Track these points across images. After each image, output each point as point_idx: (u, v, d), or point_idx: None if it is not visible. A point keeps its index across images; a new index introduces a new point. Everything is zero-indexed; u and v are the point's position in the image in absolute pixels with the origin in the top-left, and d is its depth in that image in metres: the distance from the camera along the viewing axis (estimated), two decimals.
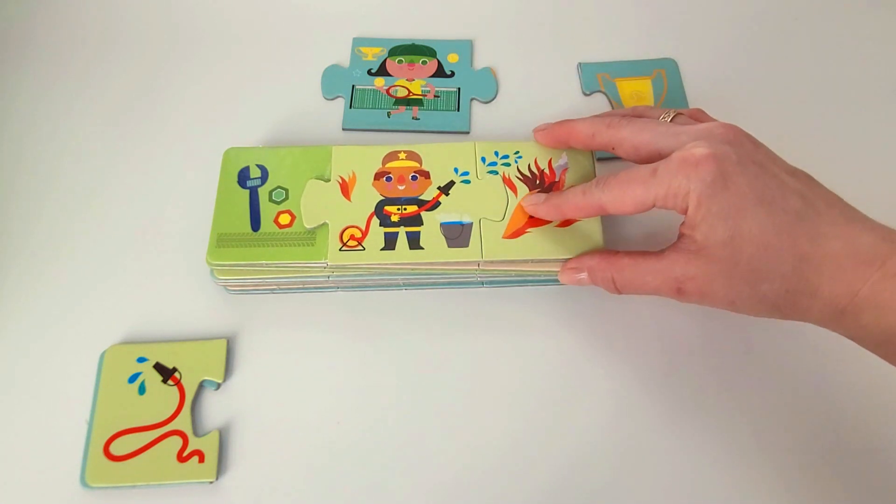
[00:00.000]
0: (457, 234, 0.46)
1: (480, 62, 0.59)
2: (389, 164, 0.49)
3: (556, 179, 0.48)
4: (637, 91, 0.57)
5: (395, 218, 0.46)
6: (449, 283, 0.50)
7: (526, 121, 0.56)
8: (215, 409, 0.46)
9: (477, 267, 0.46)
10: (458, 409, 0.46)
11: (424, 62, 0.59)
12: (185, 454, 0.43)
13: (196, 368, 0.46)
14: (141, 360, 0.46)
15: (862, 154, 0.55)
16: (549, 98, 0.58)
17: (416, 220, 0.46)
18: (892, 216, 0.52)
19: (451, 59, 0.59)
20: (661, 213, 0.41)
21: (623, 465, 0.45)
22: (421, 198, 0.47)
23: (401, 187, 0.48)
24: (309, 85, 0.58)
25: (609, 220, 0.51)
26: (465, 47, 0.60)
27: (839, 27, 0.61)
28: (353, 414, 0.46)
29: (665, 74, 0.58)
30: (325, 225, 0.46)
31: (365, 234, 0.46)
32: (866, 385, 0.46)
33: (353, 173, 0.48)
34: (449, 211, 0.47)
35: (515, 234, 0.46)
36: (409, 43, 0.60)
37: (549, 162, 0.48)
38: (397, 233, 0.46)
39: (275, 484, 0.44)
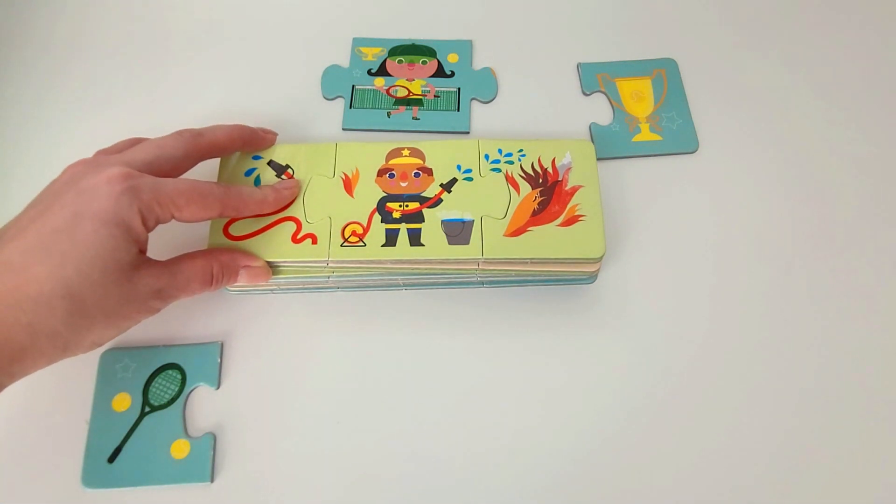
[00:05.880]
0: (458, 232, 0.46)
1: (480, 62, 0.59)
2: (392, 161, 0.48)
3: (560, 179, 0.48)
4: (637, 91, 0.57)
5: (396, 214, 0.46)
6: (449, 284, 0.49)
7: (526, 121, 0.56)
8: (213, 409, 0.46)
9: (477, 267, 0.46)
10: (458, 409, 0.46)
11: (424, 62, 0.59)
12: (298, 236, 0.46)
13: (308, 165, 0.49)
14: (256, 157, 0.50)
15: (861, 153, 0.55)
16: (549, 98, 0.58)
17: (417, 217, 0.46)
18: (891, 214, 0.53)
19: (451, 59, 0.59)
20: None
21: (624, 464, 0.45)
22: (423, 195, 0.47)
23: (403, 184, 0.47)
24: (309, 85, 0.58)
25: (611, 219, 0.51)
26: (465, 47, 0.60)
27: (839, 27, 0.61)
28: (352, 414, 0.46)
29: (665, 74, 0.58)
30: (327, 220, 0.46)
31: (366, 230, 0.46)
32: None
33: (357, 169, 0.48)
34: (451, 208, 0.46)
35: (517, 232, 0.46)
36: (409, 43, 0.60)
37: (553, 161, 0.48)
38: (398, 229, 0.46)
39: (273, 484, 0.44)
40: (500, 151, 0.49)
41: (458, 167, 0.48)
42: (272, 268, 0.46)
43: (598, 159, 0.50)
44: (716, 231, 0.52)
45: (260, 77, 0.59)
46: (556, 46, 0.60)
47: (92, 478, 0.43)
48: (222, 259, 0.44)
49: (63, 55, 0.60)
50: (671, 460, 0.45)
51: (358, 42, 0.60)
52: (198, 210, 0.42)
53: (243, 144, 0.49)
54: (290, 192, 0.47)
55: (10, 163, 0.55)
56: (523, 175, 0.48)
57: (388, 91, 0.57)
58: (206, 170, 0.48)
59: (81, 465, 0.43)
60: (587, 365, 0.47)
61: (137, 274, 0.40)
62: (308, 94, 0.58)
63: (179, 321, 0.48)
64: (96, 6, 0.62)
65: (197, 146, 0.45)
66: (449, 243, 0.45)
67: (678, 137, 0.55)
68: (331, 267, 0.46)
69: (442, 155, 0.49)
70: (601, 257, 0.45)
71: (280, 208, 0.47)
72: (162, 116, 0.55)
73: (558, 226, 0.46)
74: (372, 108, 0.57)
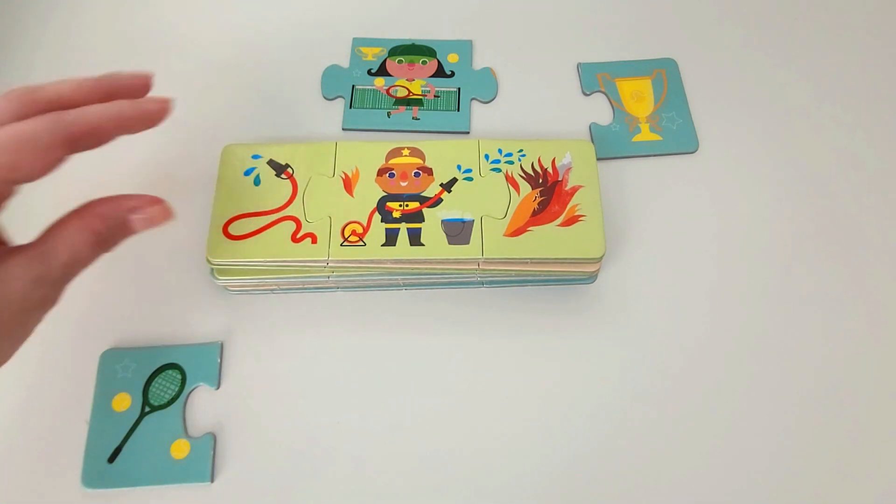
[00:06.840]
0: (457, 232, 0.46)
1: (480, 62, 0.59)
2: (393, 161, 0.48)
3: (560, 179, 0.48)
4: (637, 91, 0.57)
5: (396, 214, 0.46)
6: (449, 284, 0.49)
7: (526, 121, 0.56)
8: (213, 408, 0.46)
9: (477, 267, 0.46)
10: (458, 409, 0.46)
11: (424, 62, 0.59)
12: (298, 236, 0.46)
13: (308, 164, 0.49)
14: (255, 156, 0.50)
15: (862, 153, 0.55)
16: (549, 98, 0.58)
17: (417, 217, 0.46)
18: (892, 213, 0.53)
19: (451, 59, 0.59)
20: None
21: (623, 464, 0.45)
22: (423, 194, 0.47)
23: (403, 184, 0.47)
24: (309, 85, 0.58)
25: (611, 219, 0.51)
26: (465, 47, 0.60)
27: (840, 27, 0.61)
28: (352, 414, 0.46)
29: (665, 74, 0.58)
30: (327, 220, 0.46)
31: (366, 229, 0.46)
32: None
33: (357, 169, 0.48)
34: (451, 208, 0.46)
35: (517, 232, 0.46)
36: (409, 43, 0.60)
37: (553, 161, 0.48)
38: (398, 229, 0.46)
39: (273, 484, 0.44)
40: (500, 151, 0.49)
41: (458, 167, 0.48)
42: (272, 268, 0.46)
43: (598, 159, 0.50)
44: (715, 231, 0.52)
45: (260, 77, 0.59)
46: (556, 46, 0.60)
47: (92, 478, 0.43)
48: (101, 211, 0.38)
49: (62, 55, 0.60)
50: (670, 460, 0.45)
51: (358, 42, 0.60)
52: (37, 159, 0.35)
53: (121, 126, 0.39)
54: (156, 105, 0.39)
55: None
56: (523, 175, 0.48)
57: (388, 91, 0.57)
58: (205, 169, 0.48)
59: (81, 465, 0.43)
60: (587, 365, 0.47)
61: (3, 270, 0.35)
62: (308, 94, 0.58)
63: (179, 321, 0.48)
64: (96, 6, 0.62)
65: (68, 136, 0.36)
66: (449, 243, 0.45)
67: (678, 137, 0.55)
68: (331, 266, 0.46)
69: (442, 155, 0.49)
70: (601, 257, 0.45)
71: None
72: None
73: (558, 226, 0.46)
74: (372, 108, 0.57)
